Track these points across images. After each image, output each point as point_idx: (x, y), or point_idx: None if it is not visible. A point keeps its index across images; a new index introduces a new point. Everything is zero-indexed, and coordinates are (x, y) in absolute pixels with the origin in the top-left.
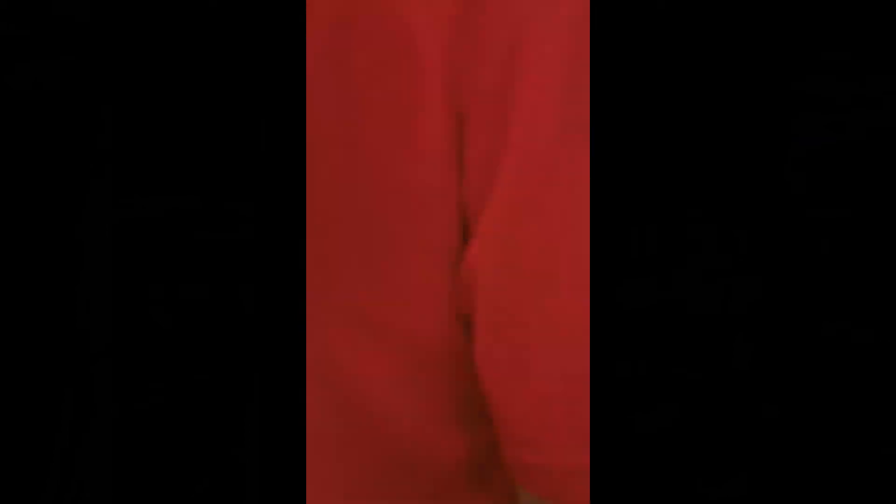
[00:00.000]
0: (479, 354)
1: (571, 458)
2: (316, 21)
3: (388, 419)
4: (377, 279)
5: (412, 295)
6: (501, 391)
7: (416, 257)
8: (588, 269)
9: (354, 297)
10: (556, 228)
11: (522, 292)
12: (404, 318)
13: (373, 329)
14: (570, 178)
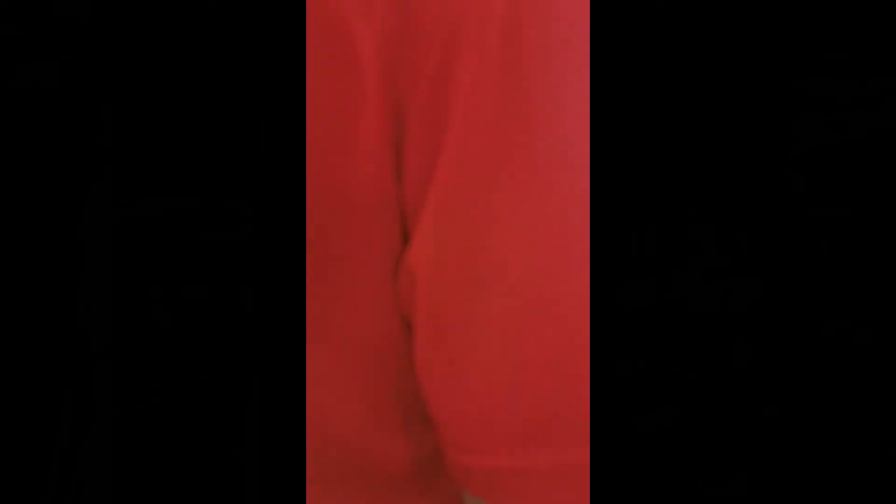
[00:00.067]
0: (418, 357)
1: (507, 459)
2: None
3: (332, 423)
4: (318, 282)
5: (354, 298)
6: (438, 393)
7: (357, 259)
8: (527, 271)
9: None
10: (491, 230)
11: (456, 294)
12: (347, 321)
13: (315, 332)
14: (509, 179)
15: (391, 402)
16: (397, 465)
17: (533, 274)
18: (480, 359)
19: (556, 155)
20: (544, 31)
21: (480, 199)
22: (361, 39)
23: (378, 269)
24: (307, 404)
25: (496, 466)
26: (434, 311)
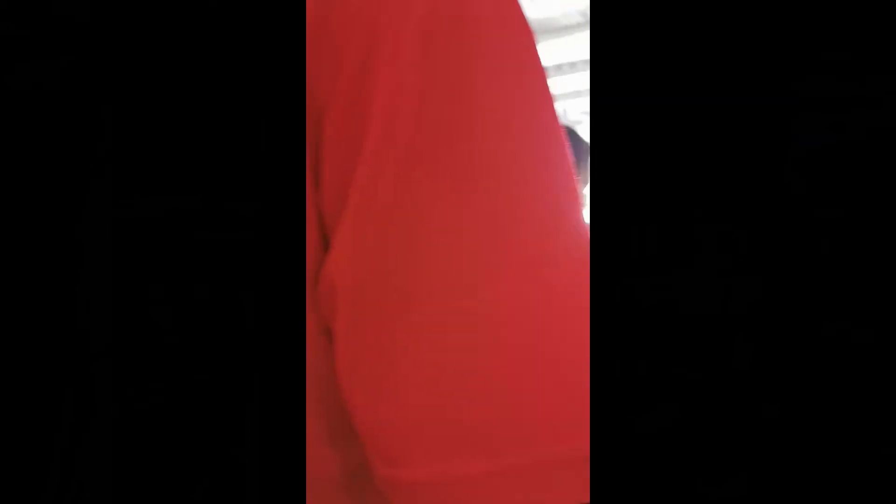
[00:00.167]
0: (339, 368)
1: (432, 470)
2: None
3: None
4: None
5: None
6: (360, 406)
7: None
8: (448, 279)
9: None
10: (410, 237)
11: (376, 303)
12: None
13: None
14: (430, 186)
15: (315, 414)
16: (325, 478)
17: (455, 282)
18: (402, 370)
19: (479, 160)
20: (463, 38)
21: (399, 206)
22: None
23: None
24: None
25: (421, 478)
26: (354, 321)
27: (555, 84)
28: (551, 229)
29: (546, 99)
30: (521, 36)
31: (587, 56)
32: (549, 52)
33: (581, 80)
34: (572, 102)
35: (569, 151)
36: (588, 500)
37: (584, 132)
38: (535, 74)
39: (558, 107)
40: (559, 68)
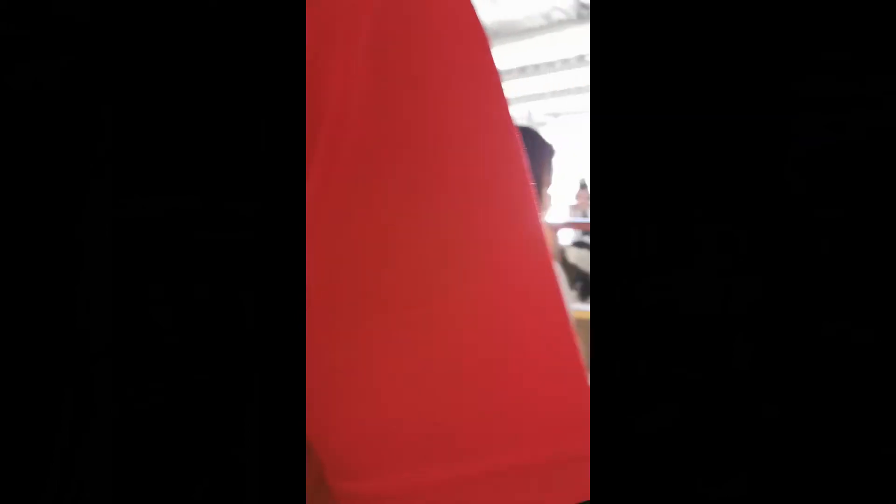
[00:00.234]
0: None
1: (389, 480)
2: None
3: None
4: None
5: None
6: (315, 420)
7: None
8: (404, 287)
9: None
10: (361, 245)
11: (328, 312)
12: None
13: None
14: (380, 193)
15: None
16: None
17: (412, 290)
18: (358, 380)
19: (428, 161)
20: (413, 38)
21: (353, 214)
22: None
23: None
24: None
25: (380, 490)
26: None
27: (519, 86)
28: (510, 231)
29: (499, 100)
30: (473, 37)
31: (550, 58)
32: (512, 54)
33: (544, 83)
34: (537, 104)
35: (523, 152)
36: (576, 502)
37: (548, 134)
38: (488, 75)
39: (523, 108)
40: (523, 70)
